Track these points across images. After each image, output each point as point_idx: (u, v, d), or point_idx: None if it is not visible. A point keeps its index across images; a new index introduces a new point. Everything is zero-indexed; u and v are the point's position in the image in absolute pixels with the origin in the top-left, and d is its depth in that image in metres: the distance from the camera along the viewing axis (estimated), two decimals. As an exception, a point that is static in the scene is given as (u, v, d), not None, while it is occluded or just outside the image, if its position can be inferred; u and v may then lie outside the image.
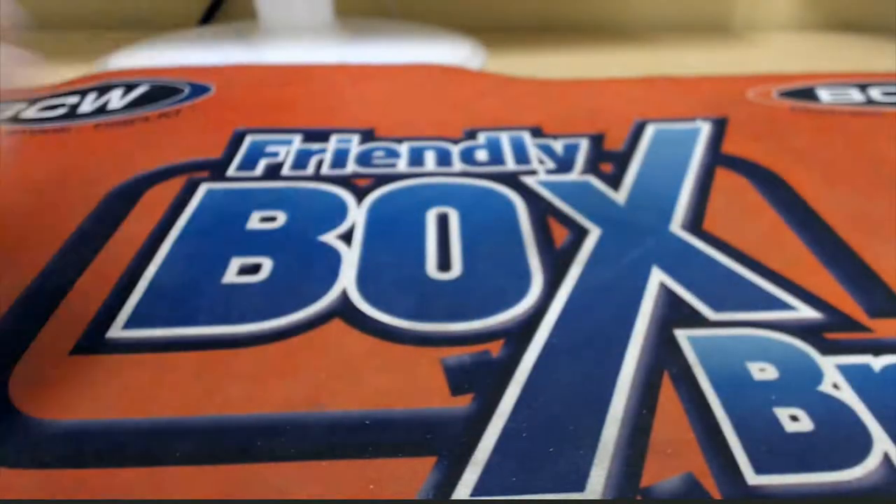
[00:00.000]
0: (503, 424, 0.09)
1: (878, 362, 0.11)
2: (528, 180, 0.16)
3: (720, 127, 0.20)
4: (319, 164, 0.17)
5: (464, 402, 0.10)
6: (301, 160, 0.17)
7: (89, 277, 0.12)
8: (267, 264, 0.13)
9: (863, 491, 0.08)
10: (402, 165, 0.17)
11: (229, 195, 0.15)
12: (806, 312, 0.12)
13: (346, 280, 0.12)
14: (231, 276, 0.12)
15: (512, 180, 0.16)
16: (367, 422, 0.09)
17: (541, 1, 0.37)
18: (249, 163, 0.17)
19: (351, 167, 0.17)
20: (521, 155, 0.18)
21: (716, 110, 0.21)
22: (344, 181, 0.16)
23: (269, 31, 0.28)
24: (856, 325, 0.11)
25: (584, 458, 0.09)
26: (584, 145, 0.18)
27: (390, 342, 0.11)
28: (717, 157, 0.18)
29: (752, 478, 0.09)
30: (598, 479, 0.08)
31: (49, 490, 0.08)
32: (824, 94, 0.23)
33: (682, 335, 0.11)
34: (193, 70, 0.24)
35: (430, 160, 0.17)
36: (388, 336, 0.11)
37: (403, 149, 0.18)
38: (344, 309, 0.12)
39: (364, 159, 0.17)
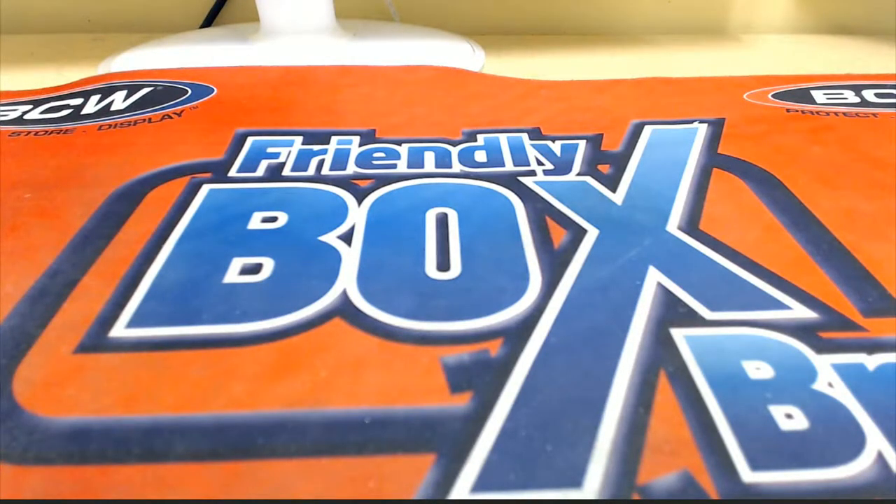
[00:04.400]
0: (502, 422, 0.09)
1: (872, 361, 0.11)
2: (527, 181, 0.16)
3: (717, 128, 0.20)
4: (320, 165, 0.17)
5: (463, 401, 0.10)
6: (302, 161, 0.17)
7: (93, 277, 0.12)
8: (268, 264, 0.13)
9: (856, 488, 0.08)
10: (401, 166, 0.17)
11: (231, 196, 0.16)
12: (801, 312, 0.12)
13: (347, 280, 0.12)
14: (233, 275, 0.13)
15: (510, 181, 0.16)
16: (367, 420, 0.09)
17: (539, 4, 0.37)
18: (251, 164, 0.17)
19: (351, 168, 0.17)
20: (519, 156, 0.18)
21: (712, 112, 0.21)
22: (344, 182, 0.16)
23: (270, 33, 0.28)
24: (850, 325, 0.11)
25: (582, 456, 0.09)
26: (582, 146, 0.19)
27: (390, 341, 0.11)
28: (713, 158, 0.18)
29: (747, 475, 0.09)
30: (595, 477, 0.09)
31: (52, 487, 0.08)
32: (819, 96, 0.23)
33: (679, 334, 0.11)
34: (196, 72, 0.24)
35: (429, 161, 0.17)
36: (388, 335, 0.11)
37: (403, 150, 0.18)
38: (344, 308, 0.12)
39: (364, 160, 0.18)
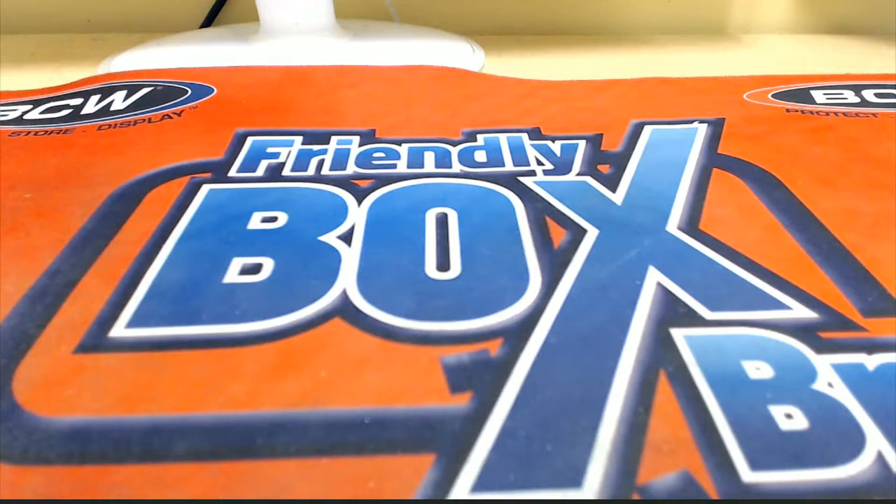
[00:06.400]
0: (501, 422, 0.09)
1: (871, 361, 0.11)
2: (527, 181, 0.16)
3: (717, 128, 0.20)
4: (320, 165, 0.17)
5: (463, 401, 0.10)
6: (302, 161, 0.17)
7: (93, 277, 0.12)
8: (268, 264, 0.13)
9: (856, 488, 0.08)
10: (401, 166, 0.17)
11: (231, 196, 0.16)
12: (801, 312, 0.12)
13: (347, 280, 0.12)
14: (232, 275, 0.13)
15: (510, 181, 0.16)
16: (367, 420, 0.09)
17: (539, 4, 0.37)
18: (251, 164, 0.17)
19: (351, 168, 0.17)
20: (519, 156, 0.18)
21: (712, 112, 0.21)
22: (344, 182, 0.16)
23: (270, 33, 0.28)
24: (850, 325, 0.11)
25: (582, 456, 0.09)
26: (581, 146, 0.19)
27: (390, 341, 0.11)
28: (713, 158, 0.18)
29: (747, 475, 0.09)
30: (595, 477, 0.09)
31: (52, 487, 0.08)
32: (819, 96, 0.23)
33: (679, 334, 0.11)
34: (196, 72, 0.24)
35: (429, 161, 0.17)
36: (388, 335, 0.11)
37: (403, 150, 0.18)
38: (344, 308, 0.12)
39: (364, 160, 0.18)
